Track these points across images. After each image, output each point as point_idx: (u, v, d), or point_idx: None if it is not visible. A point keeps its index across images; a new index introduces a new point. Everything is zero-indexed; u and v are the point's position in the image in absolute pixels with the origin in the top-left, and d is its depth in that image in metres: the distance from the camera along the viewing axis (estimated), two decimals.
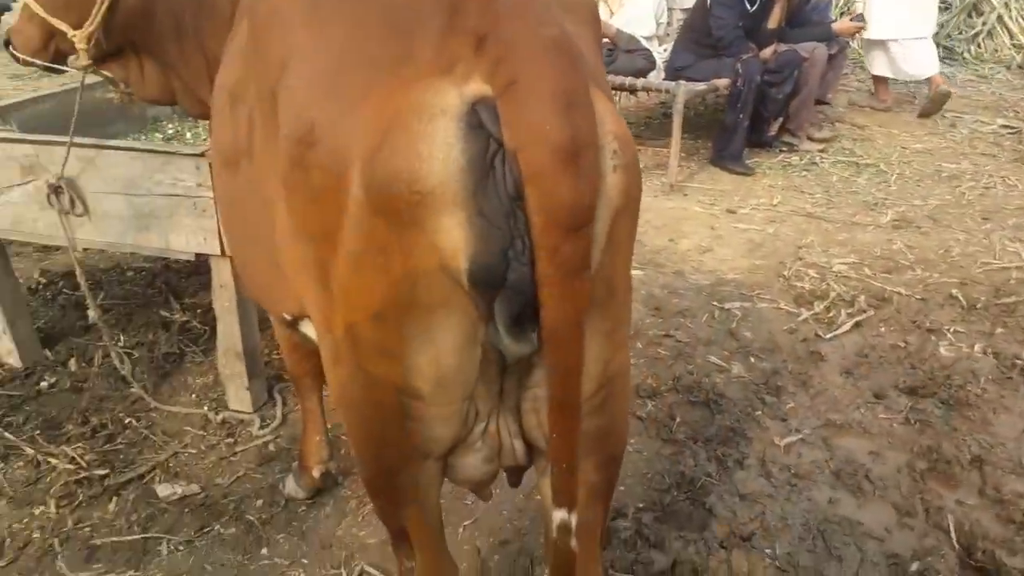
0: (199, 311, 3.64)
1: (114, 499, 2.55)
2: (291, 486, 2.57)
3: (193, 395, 3.12)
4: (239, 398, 3.01)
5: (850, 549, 2.42)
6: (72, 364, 3.23)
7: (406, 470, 1.31)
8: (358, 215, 1.02)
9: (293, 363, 2.41)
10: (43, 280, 3.89)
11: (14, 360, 3.19)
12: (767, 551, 2.41)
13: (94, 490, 2.57)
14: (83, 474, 2.62)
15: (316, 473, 2.53)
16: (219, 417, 2.96)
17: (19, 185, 2.78)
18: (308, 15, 1.17)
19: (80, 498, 2.54)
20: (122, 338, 3.41)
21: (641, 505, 2.57)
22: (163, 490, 2.58)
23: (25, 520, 2.45)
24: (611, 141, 1.04)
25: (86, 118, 3.20)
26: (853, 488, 2.67)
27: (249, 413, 2.99)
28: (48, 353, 3.30)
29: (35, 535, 2.39)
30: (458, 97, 0.97)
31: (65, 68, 2.45)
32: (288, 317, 1.60)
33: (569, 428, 1.04)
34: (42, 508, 2.50)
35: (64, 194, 2.71)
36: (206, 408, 3.02)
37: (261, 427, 2.92)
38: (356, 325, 1.12)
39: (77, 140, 2.58)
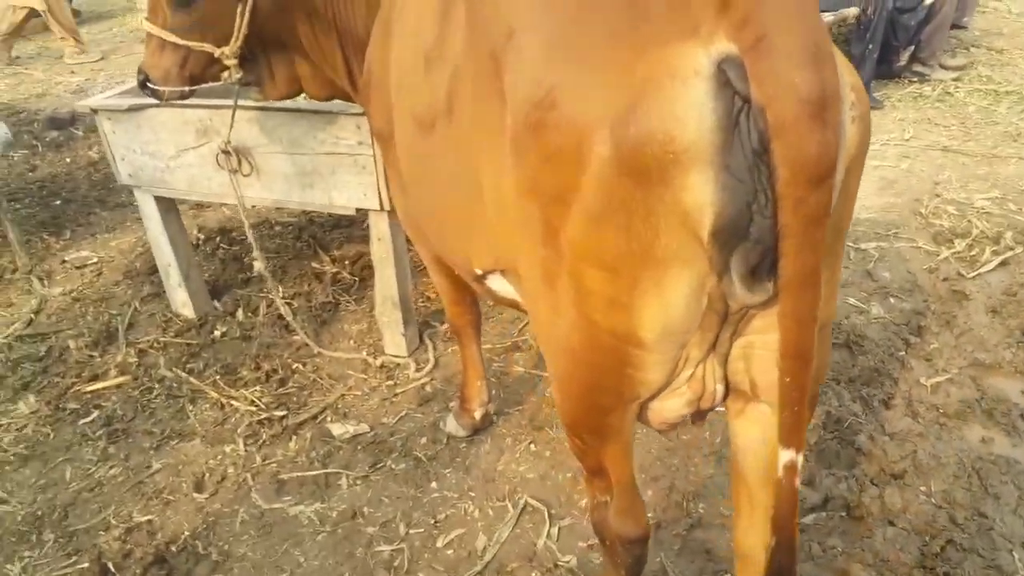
0: (346, 262, 3.85)
1: (294, 438, 2.79)
2: (452, 425, 2.75)
3: (351, 341, 3.33)
4: (395, 343, 3.20)
5: (1007, 488, 2.42)
6: (240, 314, 3.50)
7: (614, 412, 1.42)
8: (602, 174, 1.10)
9: (457, 314, 2.56)
10: (201, 236, 4.18)
11: (188, 311, 3.48)
12: (921, 488, 2.44)
13: (275, 430, 2.81)
14: (263, 415, 2.87)
15: (477, 414, 2.70)
16: (378, 361, 3.16)
17: (194, 148, 3.00)
18: None
19: (264, 437, 2.78)
20: (281, 289, 3.65)
21: None
22: (336, 429, 2.80)
23: (219, 457, 2.72)
24: (849, 92, 1.08)
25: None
26: (1007, 427, 2.65)
27: (404, 357, 3.18)
28: (216, 304, 3.58)
29: (229, 470, 2.66)
30: (707, 57, 1.02)
31: (207, 87, 2.41)
32: (479, 272, 1.71)
33: (802, 372, 1.12)
34: (232, 446, 2.76)
35: (232, 156, 2.90)
36: (365, 353, 3.23)
37: (417, 370, 3.11)
38: (587, 278, 1.22)
39: (244, 103, 2.75)
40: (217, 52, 2.25)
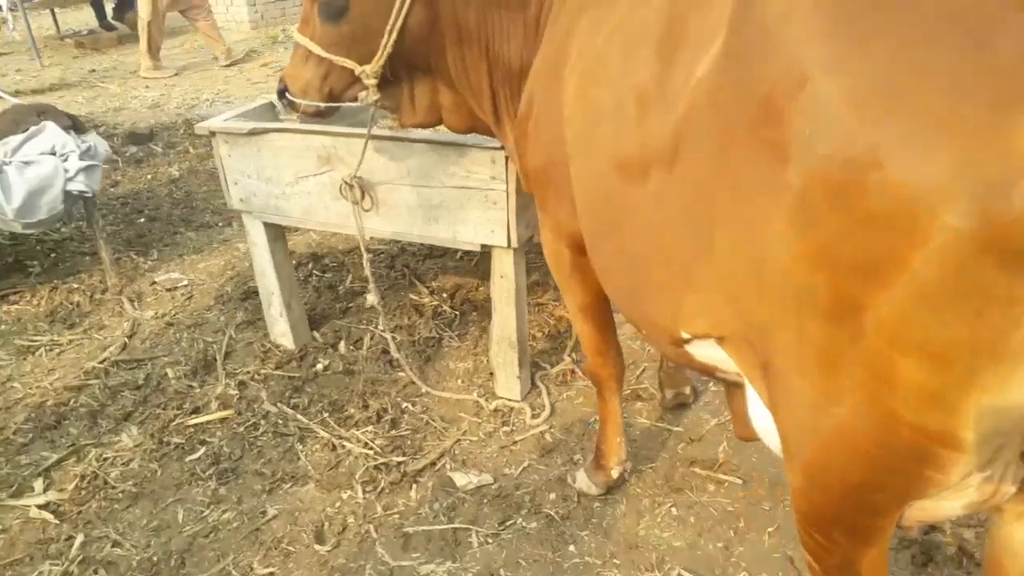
0: (444, 295, 3.70)
1: (414, 486, 2.62)
2: (583, 481, 2.56)
3: (459, 380, 3.17)
4: (508, 386, 3.03)
5: None
6: (342, 347, 3.35)
7: (886, 514, 1.23)
8: (953, 251, 0.93)
9: (600, 365, 2.39)
10: (292, 262, 4.05)
11: (288, 342, 3.34)
12: None
13: (393, 476, 2.65)
14: (380, 460, 2.71)
15: (614, 472, 2.51)
16: (492, 405, 2.99)
17: (314, 175, 2.87)
18: (838, 25, 1.07)
19: (382, 484, 2.62)
20: (380, 322, 3.51)
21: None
22: (459, 479, 2.63)
23: (336, 504, 2.56)
24: None
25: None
26: None
27: (518, 401, 3.01)
28: (316, 335, 3.44)
29: (349, 520, 2.49)
30: None
31: (342, 105, 2.30)
32: (685, 335, 1.54)
33: None
34: (349, 493, 2.59)
35: (355, 187, 2.78)
36: (475, 394, 3.06)
37: (533, 416, 2.94)
38: (899, 367, 1.04)
39: (376, 132, 2.63)
40: (358, 70, 2.14)
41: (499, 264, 2.82)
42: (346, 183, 2.78)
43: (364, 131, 2.70)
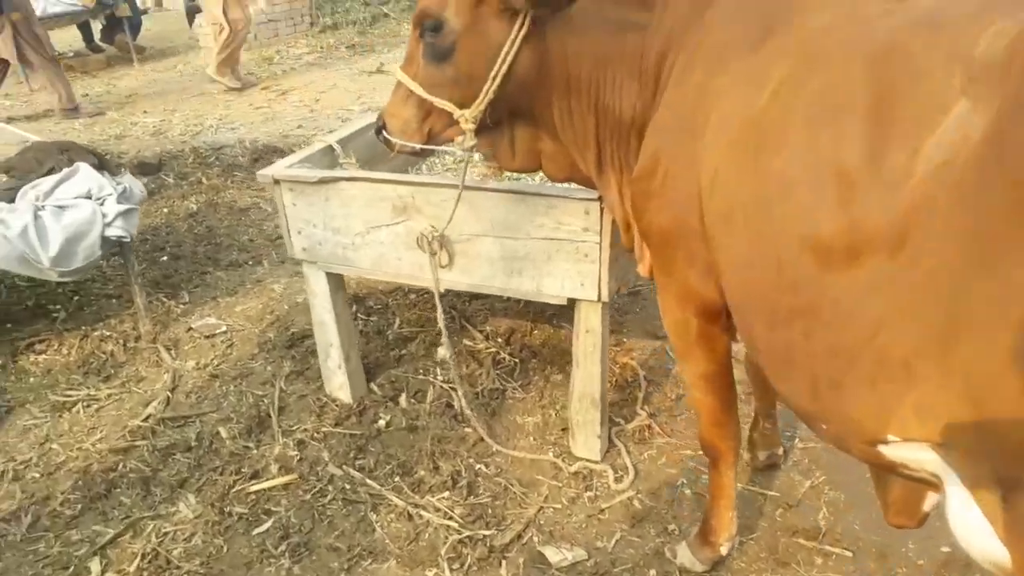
0: (499, 339, 3.54)
1: (503, 563, 2.44)
2: (687, 557, 2.40)
3: (530, 438, 3.01)
4: (588, 446, 2.87)
5: None
6: (403, 400, 3.17)
7: None
8: None
9: (719, 437, 2.23)
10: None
11: (344, 395, 3.16)
12: None
13: (479, 551, 2.47)
14: (465, 533, 2.53)
15: (723, 549, 2.36)
16: (572, 467, 2.82)
17: (388, 225, 2.71)
18: None
19: (469, 560, 2.44)
20: (438, 371, 3.34)
21: None
22: (552, 554, 2.46)
23: None
24: None
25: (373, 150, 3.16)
26: None
27: (599, 462, 2.85)
28: (373, 387, 3.25)
29: None
30: None
31: (437, 149, 2.21)
32: (893, 438, 1.39)
33: None
34: (435, 571, 2.41)
35: (434, 239, 2.62)
36: (551, 454, 2.90)
37: (616, 479, 2.77)
38: None
39: (451, 182, 2.49)
40: (457, 113, 2.05)
41: (585, 318, 2.67)
42: (424, 236, 2.62)
43: (445, 181, 2.56)
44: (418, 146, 2.18)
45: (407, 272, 2.79)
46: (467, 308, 3.84)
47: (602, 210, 2.42)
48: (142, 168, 5.91)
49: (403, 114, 2.15)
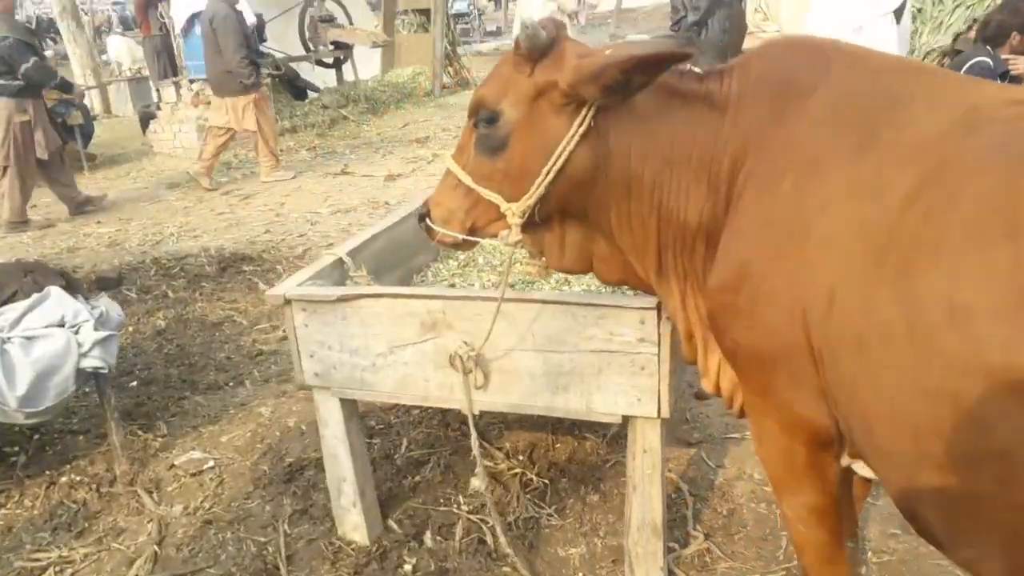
0: (520, 457, 3.23)
1: None
2: None
3: (579, 574, 2.67)
4: None
5: None
6: (428, 539, 2.81)
7: None
8: None
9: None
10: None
11: (360, 536, 2.79)
12: None
13: None
14: None
15: None
16: None
17: (415, 344, 2.42)
18: None
19: None
20: (462, 500, 3.00)
21: None
22: None
23: None
24: None
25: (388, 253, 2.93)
26: None
27: None
28: (392, 523, 2.89)
29: None
30: None
31: (479, 240, 2.07)
32: None
33: None
34: None
35: (471, 357, 2.35)
36: None
37: None
38: None
39: (487, 294, 2.25)
40: (504, 206, 1.91)
41: (642, 437, 2.39)
42: (457, 354, 2.35)
43: (480, 294, 2.32)
44: (460, 236, 2.04)
45: (436, 394, 2.49)
46: (480, 422, 3.52)
47: (659, 318, 2.20)
48: (101, 283, 5.49)
49: (449, 203, 2.04)
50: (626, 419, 2.37)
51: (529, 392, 2.40)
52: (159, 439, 3.55)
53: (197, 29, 10.14)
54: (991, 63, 4.84)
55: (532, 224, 1.96)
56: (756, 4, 6.98)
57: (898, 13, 5.90)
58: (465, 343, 2.37)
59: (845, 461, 1.80)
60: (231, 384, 4.06)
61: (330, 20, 11.91)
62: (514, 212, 1.91)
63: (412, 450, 3.34)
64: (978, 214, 1.26)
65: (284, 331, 4.58)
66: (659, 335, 2.22)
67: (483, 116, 1.88)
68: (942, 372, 1.26)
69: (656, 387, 2.27)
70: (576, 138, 1.80)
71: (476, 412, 2.45)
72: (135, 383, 4.11)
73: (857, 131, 1.56)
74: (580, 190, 1.89)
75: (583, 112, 1.79)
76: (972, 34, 5.78)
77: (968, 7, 8.19)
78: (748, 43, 6.78)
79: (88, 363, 2.90)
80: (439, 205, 2.06)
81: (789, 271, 1.57)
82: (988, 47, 4.97)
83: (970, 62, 4.91)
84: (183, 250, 6.36)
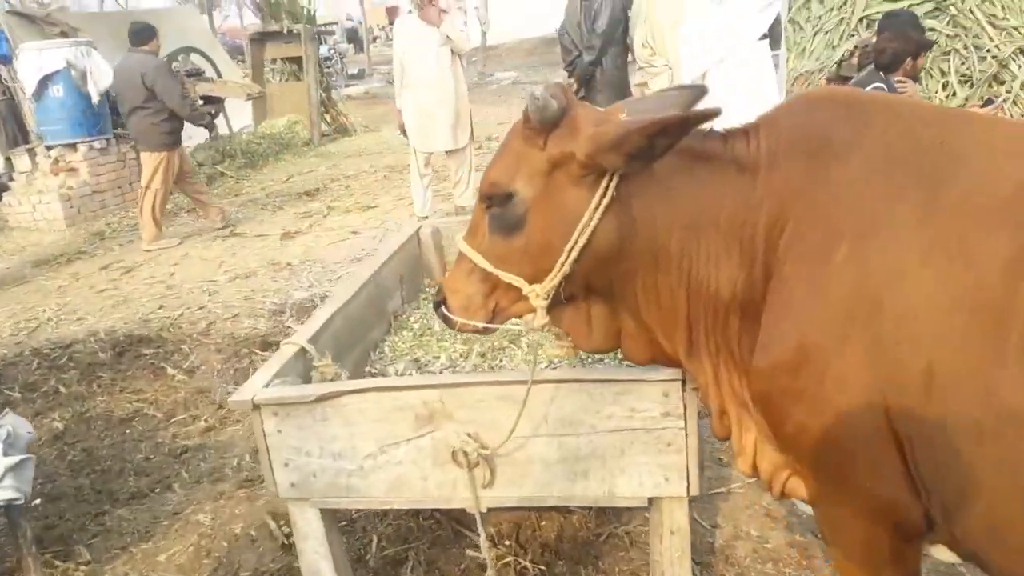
0: (507, 543, 2.97)
1: None
2: None
3: None
4: None
5: None
6: None
7: None
8: None
9: None
10: (285, 529, 3.14)
11: None
12: None
13: None
14: None
15: None
16: None
17: (410, 440, 2.15)
18: None
19: None
20: None
21: None
22: None
23: None
24: None
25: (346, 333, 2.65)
26: None
27: None
28: None
29: None
30: None
31: (503, 327, 1.97)
32: None
33: None
34: None
35: (474, 450, 2.12)
36: None
37: None
38: None
39: (486, 378, 2.04)
40: (527, 289, 1.79)
41: (670, 517, 2.21)
42: (461, 449, 2.10)
43: (481, 378, 2.10)
44: (481, 324, 1.91)
45: (436, 495, 2.23)
46: (453, 509, 3.23)
47: (684, 390, 2.04)
48: None
49: (466, 289, 1.90)
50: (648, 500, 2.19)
51: (543, 482, 2.18)
52: (82, 568, 3.07)
53: (52, 90, 9.46)
54: (886, 88, 5.04)
55: (556, 303, 1.82)
56: (643, 39, 7.11)
57: (775, 39, 6.14)
58: (467, 435, 2.12)
59: (926, 549, 1.68)
60: (157, 490, 3.59)
61: (198, 74, 11.30)
62: (538, 294, 1.78)
63: (385, 548, 3.02)
64: None
65: (207, 420, 4.19)
66: (685, 408, 2.06)
67: (496, 197, 1.76)
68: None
69: (684, 464, 2.11)
70: (600, 210, 1.67)
71: (483, 510, 2.20)
72: (39, 501, 3.57)
73: (915, 191, 1.46)
74: (606, 265, 1.75)
75: (604, 182, 1.67)
76: (855, 60, 6.03)
77: (827, 32, 8.68)
78: (637, 78, 6.89)
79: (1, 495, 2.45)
80: (456, 292, 1.90)
81: (861, 351, 1.46)
82: (880, 73, 5.18)
83: (866, 89, 5.09)
84: (67, 336, 5.73)
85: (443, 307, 1.94)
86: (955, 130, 1.55)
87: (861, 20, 8.16)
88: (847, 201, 1.53)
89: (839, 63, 7.13)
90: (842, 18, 8.07)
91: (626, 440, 2.11)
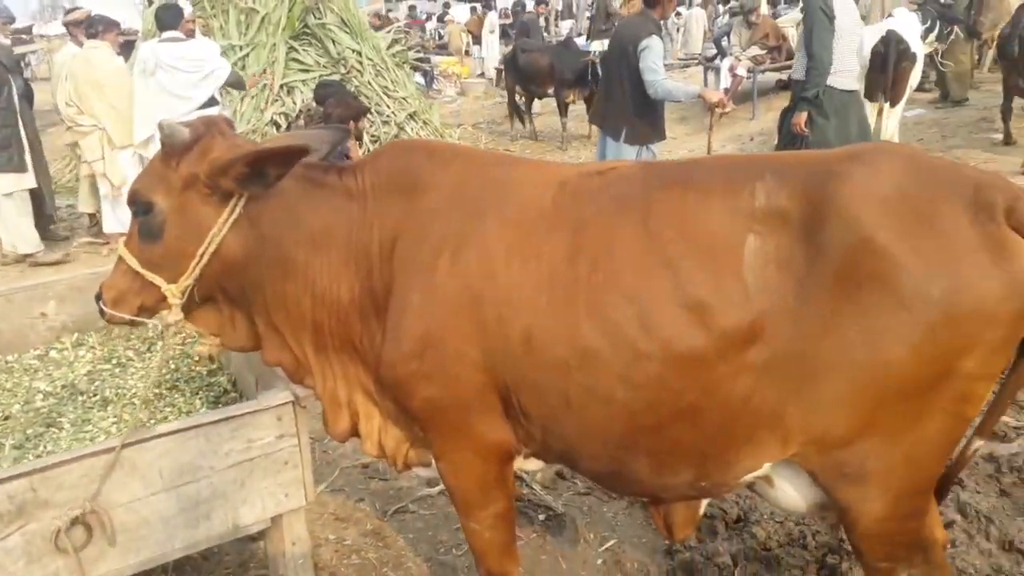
0: None
1: None
2: None
3: None
4: None
5: None
6: None
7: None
8: None
9: (512, 562, 2.26)
10: None
11: None
12: None
13: None
14: None
15: None
16: None
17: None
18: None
19: None
20: None
21: None
22: None
23: None
24: None
25: None
26: None
27: None
28: None
29: None
30: None
31: (148, 321, 2.17)
32: (763, 467, 1.85)
33: None
34: None
35: (80, 524, 1.97)
36: None
37: None
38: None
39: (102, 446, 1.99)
40: (165, 287, 2.06)
41: (290, 530, 2.36)
42: (61, 530, 1.94)
43: (82, 452, 2.00)
44: (128, 317, 2.14)
45: None
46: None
47: (295, 410, 2.24)
48: None
49: (119, 286, 2.14)
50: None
51: (164, 539, 2.12)
52: None
53: None
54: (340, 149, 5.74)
55: (203, 306, 2.12)
56: (66, 98, 6.82)
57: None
58: (75, 517, 1.95)
59: (518, 466, 2.19)
60: None
61: None
62: (174, 293, 2.04)
63: None
64: (631, 258, 1.81)
65: None
66: (297, 425, 2.25)
67: (139, 207, 2.04)
68: (649, 364, 1.78)
69: (301, 477, 2.29)
70: (227, 225, 1.98)
71: None
72: None
73: (490, 212, 1.97)
74: (234, 272, 2.05)
75: (232, 202, 1.98)
76: (302, 121, 6.69)
77: (253, 96, 9.17)
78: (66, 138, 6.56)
79: None
80: (111, 288, 2.13)
81: (471, 333, 1.91)
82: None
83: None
84: None
85: (100, 301, 2.13)
86: (509, 168, 2.12)
87: (282, 87, 8.93)
88: (441, 223, 1.97)
89: (289, 124, 7.74)
90: (265, 84, 8.70)
91: (246, 471, 2.19)
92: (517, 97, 12.00)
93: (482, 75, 17.51)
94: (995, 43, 8.90)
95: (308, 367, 2.15)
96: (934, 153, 8.00)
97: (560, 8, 24.08)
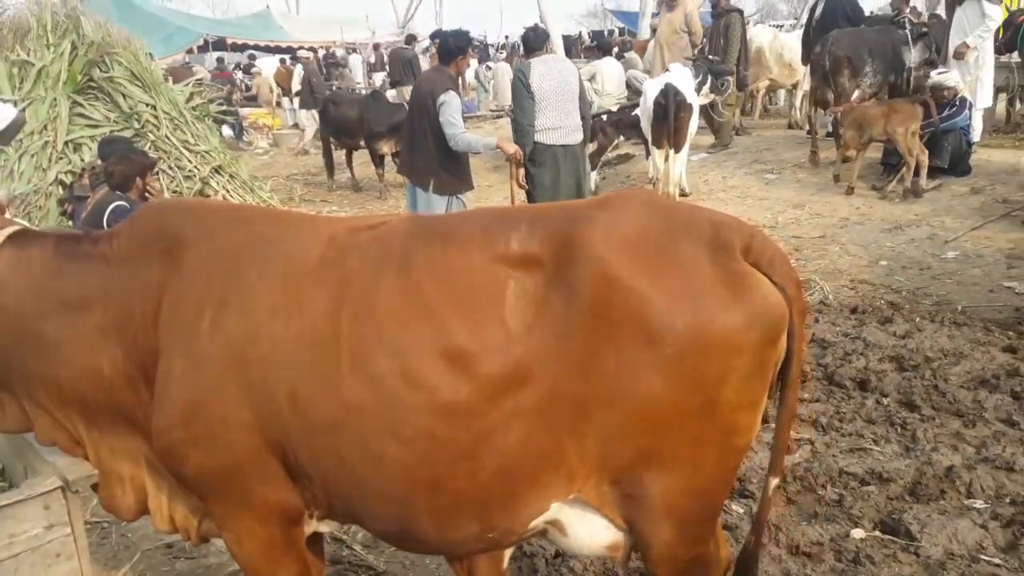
0: None
1: None
2: None
3: None
4: None
5: None
6: None
7: None
8: None
9: None
10: None
11: None
12: None
13: None
14: None
15: None
16: None
17: None
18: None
19: None
20: None
21: None
22: None
23: None
24: None
25: None
26: None
27: None
28: None
29: None
30: None
31: None
32: (556, 505, 1.87)
33: None
34: None
35: None
36: None
37: None
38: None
39: None
40: None
41: None
42: None
43: None
44: None
45: None
46: None
47: (66, 496, 2.09)
48: None
49: None
50: None
51: None
52: None
53: None
54: (128, 207, 5.39)
55: None
56: None
57: None
58: None
59: (311, 528, 2.14)
60: None
61: None
62: None
63: None
64: (393, 310, 1.82)
65: None
66: (69, 513, 2.10)
67: None
68: (416, 416, 1.79)
69: (79, 568, 2.14)
70: None
71: None
72: None
73: (252, 269, 1.93)
74: None
75: None
76: (86, 180, 6.25)
77: (33, 155, 8.51)
78: None
79: None
80: None
81: (237, 395, 1.87)
82: (118, 192, 5.49)
83: (110, 207, 5.34)
84: None
85: None
86: (274, 223, 2.08)
87: (68, 143, 8.34)
88: (201, 283, 1.91)
89: (71, 185, 7.20)
90: (46, 141, 8.10)
91: (13, 567, 2.01)
92: (334, 148, 11.90)
93: (295, 126, 17.19)
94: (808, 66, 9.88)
95: (84, 444, 2.03)
96: (720, 190, 9.04)
97: (372, 60, 24.18)
